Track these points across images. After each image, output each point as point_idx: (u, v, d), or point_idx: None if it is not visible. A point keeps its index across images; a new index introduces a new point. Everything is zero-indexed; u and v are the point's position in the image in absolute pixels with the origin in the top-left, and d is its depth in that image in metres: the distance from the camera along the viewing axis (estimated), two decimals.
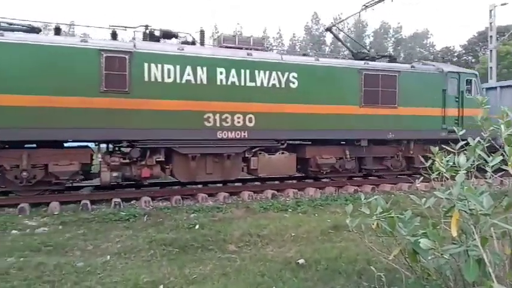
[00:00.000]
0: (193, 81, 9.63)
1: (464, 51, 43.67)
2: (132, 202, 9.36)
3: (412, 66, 12.73)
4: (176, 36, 10.66)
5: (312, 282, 4.48)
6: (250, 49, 10.72)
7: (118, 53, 9.01)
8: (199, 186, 11.00)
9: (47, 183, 9.16)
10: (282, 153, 10.96)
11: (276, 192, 10.50)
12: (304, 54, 13.88)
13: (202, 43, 10.98)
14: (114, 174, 9.44)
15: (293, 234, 6.59)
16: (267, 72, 10.34)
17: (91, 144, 9.91)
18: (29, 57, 8.37)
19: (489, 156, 2.64)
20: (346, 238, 6.31)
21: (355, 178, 12.54)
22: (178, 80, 9.49)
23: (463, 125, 12.36)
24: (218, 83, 9.85)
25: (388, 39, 57.58)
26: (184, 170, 10.00)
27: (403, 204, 8.14)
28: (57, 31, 9.82)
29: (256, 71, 10.23)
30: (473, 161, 2.74)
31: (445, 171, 2.84)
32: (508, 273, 2.42)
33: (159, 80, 9.32)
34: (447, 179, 2.83)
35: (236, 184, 11.47)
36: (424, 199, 2.75)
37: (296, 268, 4.94)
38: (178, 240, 6.18)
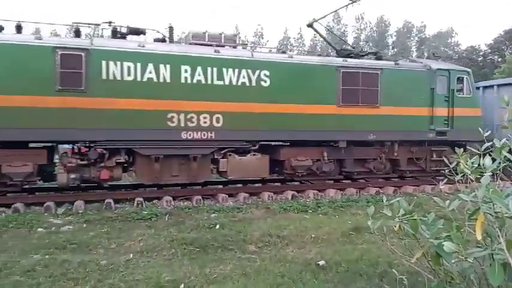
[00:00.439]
0: (155, 80, 9.27)
1: (490, 51, 42.52)
2: (154, 201, 9.47)
3: (396, 63, 11.97)
4: (144, 33, 10.21)
5: (332, 284, 4.46)
6: (222, 46, 10.24)
7: (74, 50, 8.69)
8: (220, 186, 11.05)
9: (3, 184, 8.89)
10: (254, 154, 10.46)
11: (296, 193, 10.46)
12: (283, 52, 13.35)
13: (171, 40, 10.56)
14: (72, 176, 9.13)
15: (313, 235, 6.57)
16: (236, 70, 9.89)
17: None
18: None
19: None
20: (367, 240, 6.25)
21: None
22: (139, 78, 9.13)
23: (453, 125, 11.79)
24: (183, 81, 9.48)
25: (412, 38, 56.61)
26: (148, 172, 9.59)
27: (426, 206, 8.01)
28: (19, 29, 9.21)
29: (224, 69, 9.79)
30: (499, 163, 2.67)
31: (470, 173, 2.78)
32: None
33: (118, 78, 8.97)
34: (472, 181, 2.77)
35: (256, 185, 11.46)
36: (448, 201, 2.70)
37: (316, 270, 4.93)
38: (199, 239, 6.25)
